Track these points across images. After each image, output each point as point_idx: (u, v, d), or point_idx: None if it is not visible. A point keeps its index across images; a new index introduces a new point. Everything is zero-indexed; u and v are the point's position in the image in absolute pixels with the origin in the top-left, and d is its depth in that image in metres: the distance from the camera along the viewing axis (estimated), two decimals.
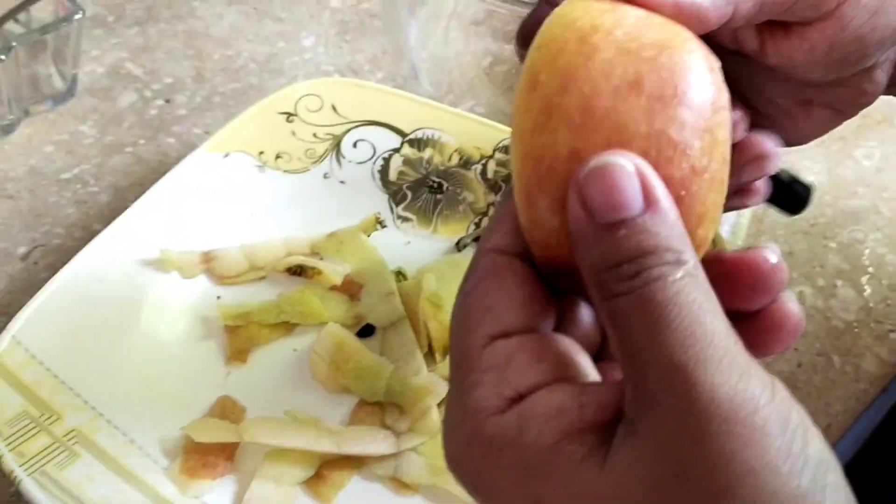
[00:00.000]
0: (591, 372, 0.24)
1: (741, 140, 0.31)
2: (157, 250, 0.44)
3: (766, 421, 0.19)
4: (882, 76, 0.33)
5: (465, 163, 0.49)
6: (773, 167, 0.32)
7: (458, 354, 0.24)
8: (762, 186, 0.34)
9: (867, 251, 0.50)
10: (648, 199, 0.21)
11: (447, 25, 0.60)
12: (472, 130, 0.50)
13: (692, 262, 0.21)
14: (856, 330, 0.46)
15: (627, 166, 0.21)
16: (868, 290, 0.48)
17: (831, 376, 0.44)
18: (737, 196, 0.33)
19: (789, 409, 0.20)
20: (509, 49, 0.58)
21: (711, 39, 0.26)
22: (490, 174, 0.49)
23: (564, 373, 0.23)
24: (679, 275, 0.21)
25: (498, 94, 0.59)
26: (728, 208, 0.34)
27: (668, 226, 0.21)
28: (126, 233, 0.44)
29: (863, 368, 0.44)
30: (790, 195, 0.38)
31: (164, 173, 0.47)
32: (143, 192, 0.46)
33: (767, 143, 0.31)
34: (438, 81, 0.60)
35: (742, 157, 0.31)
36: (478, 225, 0.48)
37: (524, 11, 0.48)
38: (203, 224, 0.46)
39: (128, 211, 0.45)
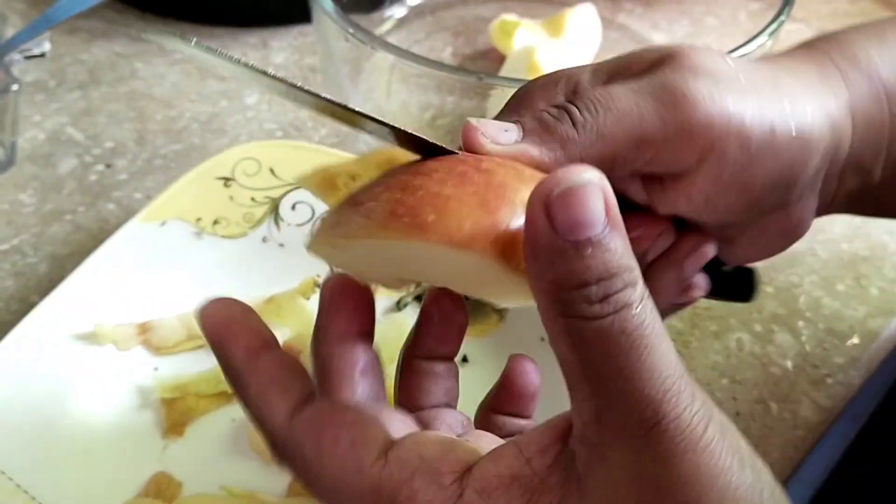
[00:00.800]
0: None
1: (674, 241, 0.33)
2: (92, 324, 0.44)
3: (711, 443, 0.22)
4: (803, 212, 0.33)
5: None
6: (702, 262, 0.33)
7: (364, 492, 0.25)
8: (702, 282, 0.34)
9: (803, 295, 0.50)
10: (610, 216, 0.22)
11: (389, 79, 0.60)
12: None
13: (641, 278, 0.22)
14: (793, 376, 0.46)
15: (598, 183, 0.22)
16: (804, 335, 0.48)
17: (769, 423, 0.44)
18: (680, 293, 0.34)
19: (722, 430, 0.23)
20: (452, 101, 0.59)
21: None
22: None
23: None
24: (639, 298, 0.22)
25: None
26: (675, 306, 0.35)
27: (624, 242, 0.22)
28: (61, 306, 0.44)
29: (800, 415, 0.45)
30: (736, 285, 0.38)
31: (103, 240, 0.47)
32: (82, 261, 0.46)
33: (696, 241, 0.33)
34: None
35: (677, 255, 0.33)
36: (418, 283, 0.49)
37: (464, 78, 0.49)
38: (140, 294, 0.45)
39: (62, 285, 0.44)
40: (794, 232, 0.34)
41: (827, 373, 0.47)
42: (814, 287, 0.51)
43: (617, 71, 0.32)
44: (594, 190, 0.22)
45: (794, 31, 0.69)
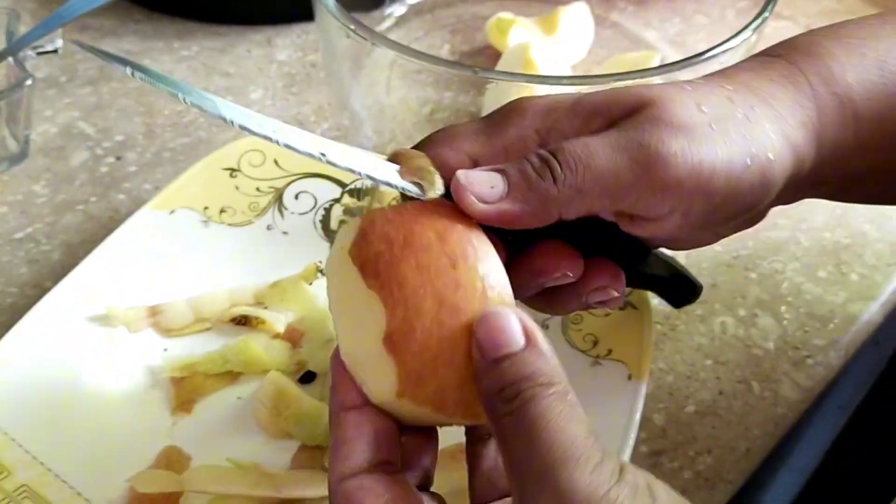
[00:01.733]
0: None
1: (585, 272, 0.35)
2: (104, 307, 0.46)
3: (618, 495, 0.25)
4: (759, 216, 0.36)
5: None
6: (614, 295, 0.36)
7: None
8: (619, 295, 0.36)
9: (786, 281, 0.52)
10: (529, 339, 0.27)
11: (389, 75, 0.62)
12: None
13: (563, 384, 0.27)
14: (774, 357, 0.48)
15: (511, 314, 0.28)
16: (786, 319, 0.50)
17: (751, 402, 0.46)
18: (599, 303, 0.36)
19: (635, 479, 0.25)
20: (449, 96, 0.61)
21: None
22: None
23: None
24: (549, 392, 0.26)
25: None
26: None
27: (543, 359, 0.27)
28: (74, 291, 0.46)
29: (781, 394, 0.47)
30: (674, 290, 0.40)
31: (114, 229, 0.49)
32: (94, 248, 0.48)
33: (603, 281, 0.35)
34: (381, 129, 0.62)
35: (581, 290, 0.35)
36: None
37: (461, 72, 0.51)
38: (150, 279, 0.48)
39: (76, 270, 0.46)
40: (747, 226, 0.36)
41: (807, 354, 0.49)
42: (796, 273, 0.53)
43: (596, 111, 0.33)
44: (507, 314, 0.28)
45: (783, 28, 0.71)
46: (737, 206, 0.33)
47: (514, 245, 0.34)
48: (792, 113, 0.33)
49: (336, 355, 0.31)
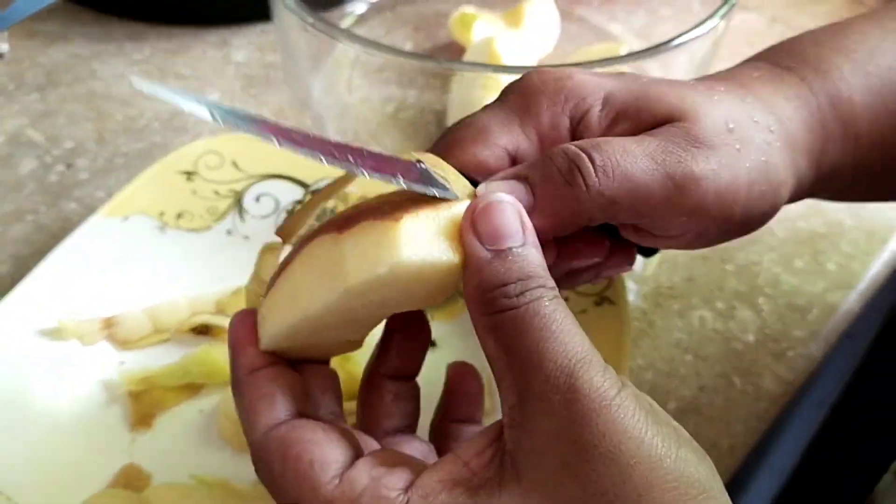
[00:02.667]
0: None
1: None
2: (55, 320, 0.43)
3: (625, 398, 0.25)
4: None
5: None
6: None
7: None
8: (630, 268, 0.35)
9: (763, 273, 0.51)
10: (525, 234, 0.26)
11: (350, 74, 0.61)
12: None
13: (556, 288, 0.26)
14: (754, 350, 0.47)
15: (512, 205, 0.27)
16: (765, 311, 0.49)
17: (732, 397, 0.45)
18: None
19: (631, 386, 0.25)
20: (413, 94, 0.59)
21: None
22: None
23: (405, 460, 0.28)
24: (554, 293, 0.26)
25: (404, 140, 0.60)
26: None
27: (539, 256, 0.26)
28: (24, 304, 0.43)
29: (762, 388, 0.46)
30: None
31: (65, 240, 0.47)
32: (45, 257, 0.46)
33: (620, 261, 0.34)
34: (344, 129, 0.60)
35: (599, 269, 0.34)
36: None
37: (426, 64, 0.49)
38: (104, 290, 0.45)
39: (24, 282, 0.44)
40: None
41: (787, 346, 0.47)
42: (773, 264, 0.52)
43: (624, 112, 0.31)
44: (508, 207, 0.27)
45: (750, 20, 0.70)
46: (744, 228, 0.32)
47: None
48: (803, 138, 0.33)
49: (239, 319, 0.31)
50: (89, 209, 0.53)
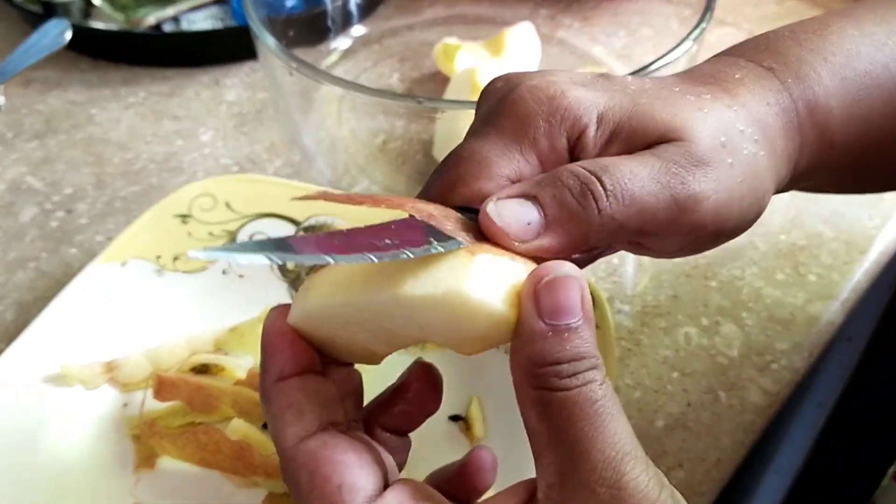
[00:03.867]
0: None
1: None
2: (58, 365, 0.45)
3: (666, 499, 0.25)
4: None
5: None
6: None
7: None
8: None
9: (745, 287, 0.52)
10: (585, 312, 0.26)
11: (339, 108, 0.62)
12: (366, 213, 0.52)
13: (604, 368, 0.26)
14: (739, 365, 0.48)
15: (578, 279, 0.26)
16: (748, 324, 0.50)
17: (719, 411, 0.46)
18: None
19: (670, 486, 0.26)
20: (401, 125, 0.61)
21: None
22: None
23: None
24: (605, 379, 0.26)
25: (393, 171, 0.61)
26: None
27: (592, 334, 0.26)
28: (28, 352, 0.45)
29: (748, 401, 0.47)
30: None
31: (67, 285, 0.48)
32: (47, 306, 0.47)
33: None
34: (335, 163, 0.62)
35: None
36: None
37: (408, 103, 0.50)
38: (105, 334, 0.47)
39: (28, 330, 0.45)
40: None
41: (771, 359, 0.49)
42: (755, 278, 0.53)
43: (619, 131, 0.31)
44: (575, 283, 0.26)
45: (726, 35, 0.72)
46: (732, 236, 0.32)
47: None
48: (783, 147, 0.34)
49: (272, 327, 0.29)
50: (89, 254, 0.55)
